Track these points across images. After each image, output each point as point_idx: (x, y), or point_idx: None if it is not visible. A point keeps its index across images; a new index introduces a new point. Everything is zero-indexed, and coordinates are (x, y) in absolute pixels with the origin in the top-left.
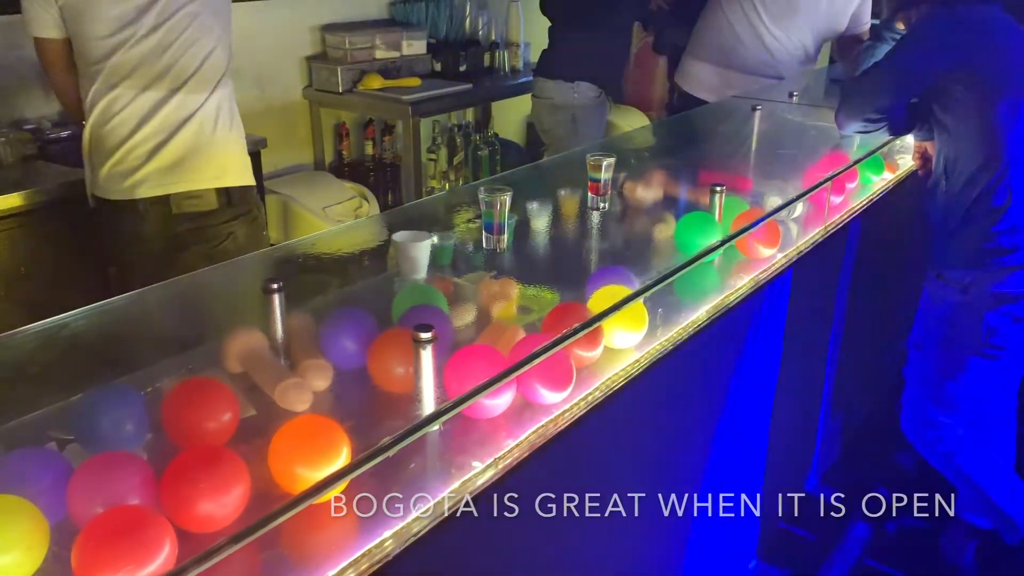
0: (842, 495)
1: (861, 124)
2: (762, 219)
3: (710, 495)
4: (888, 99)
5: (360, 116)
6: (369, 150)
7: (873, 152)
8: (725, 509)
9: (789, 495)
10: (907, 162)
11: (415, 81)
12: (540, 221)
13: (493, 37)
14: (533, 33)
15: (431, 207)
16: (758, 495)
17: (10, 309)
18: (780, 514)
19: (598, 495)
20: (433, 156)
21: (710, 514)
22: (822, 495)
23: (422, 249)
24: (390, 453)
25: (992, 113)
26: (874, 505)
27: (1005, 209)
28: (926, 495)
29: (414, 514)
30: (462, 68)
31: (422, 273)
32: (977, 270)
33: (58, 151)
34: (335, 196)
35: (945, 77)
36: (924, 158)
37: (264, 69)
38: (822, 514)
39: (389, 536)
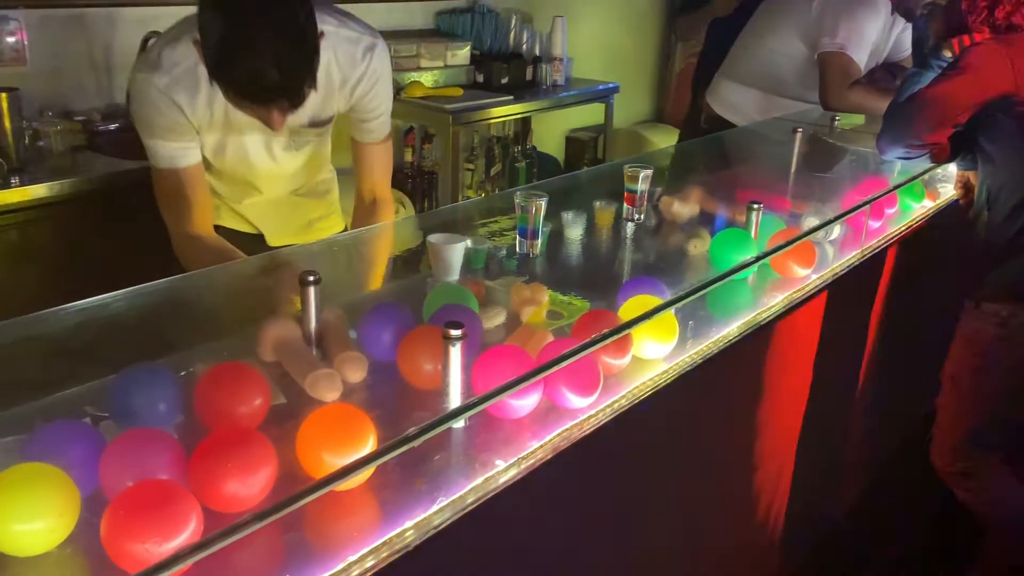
0: (868, 528)
1: (903, 151)
2: (797, 238)
3: (730, 515)
4: (931, 127)
5: (402, 123)
6: (408, 157)
7: (914, 179)
8: (747, 532)
9: (813, 526)
10: (948, 191)
11: (457, 91)
12: (575, 230)
13: (536, 51)
14: (576, 48)
15: (467, 211)
16: (780, 524)
17: (53, 294)
18: (803, 545)
19: (618, 502)
20: (471, 166)
21: (728, 535)
22: (847, 528)
23: (456, 251)
24: (415, 444)
25: None
26: (901, 540)
27: None
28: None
29: (436, 507)
30: (504, 80)
31: (455, 275)
32: (1017, 303)
33: (106, 142)
34: None
35: (990, 106)
36: (966, 188)
37: None
38: (846, 547)
39: (411, 526)
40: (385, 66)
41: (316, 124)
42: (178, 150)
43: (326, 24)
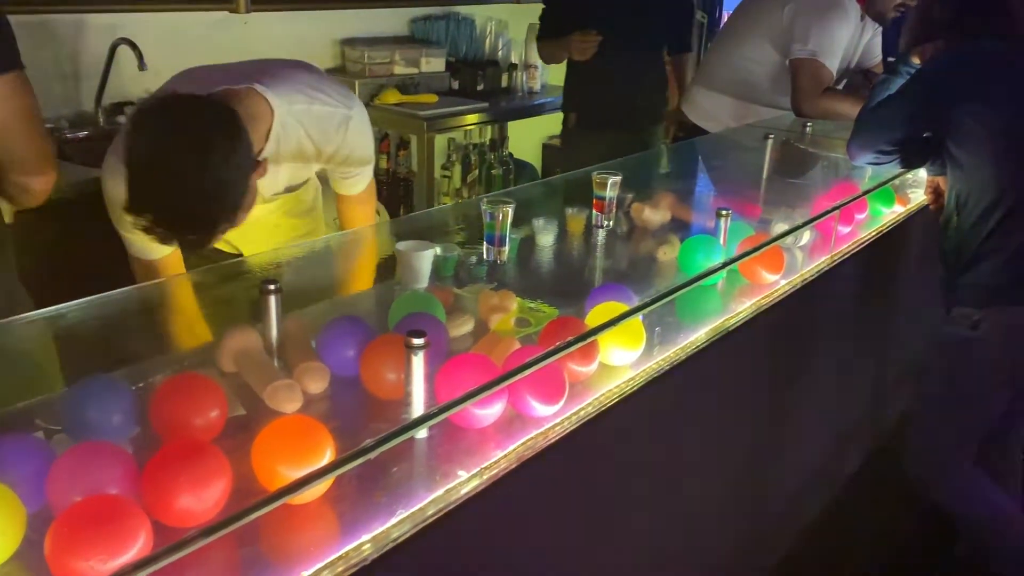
0: (842, 533)
1: (873, 156)
2: (764, 244)
3: (699, 522)
4: (901, 133)
5: (376, 130)
6: (383, 164)
7: (883, 184)
8: (717, 539)
9: (786, 530)
10: (919, 196)
11: (432, 98)
12: (544, 237)
13: (512, 58)
14: None
15: (440, 218)
16: (752, 529)
17: (19, 303)
18: (776, 549)
19: (584, 511)
20: (447, 173)
21: (698, 543)
22: (821, 532)
23: (424, 259)
24: (371, 455)
25: (1005, 150)
26: (875, 545)
27: (1016, 247)
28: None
29: (395, 519)
30: (479, 87)
31: (423, 282)
32: (987, 307)
33: (75, 150)
34: None
35: (958, 112)
36: (936, 193)
37: None
38: (820, 551)
39: (368, 540)
40: (361, 135)
41: (292, 188)
42: (150, 242)
43: (296, 103)
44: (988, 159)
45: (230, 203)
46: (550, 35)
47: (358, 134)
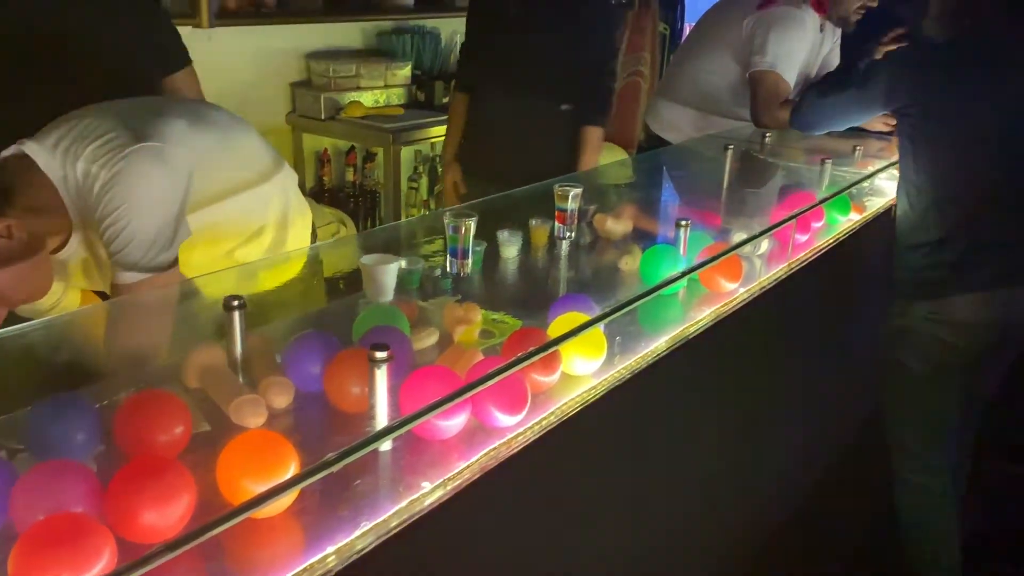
0: (812, 534)
1: (820, 132)
2: (721, 254)
3: (666, 528)
4: (845, 124)
5: (342, 143)
6: (350, 177)
7: (839, 193)
8: (685, 544)
9: (755, 534)
10: (875, 204)
11: (398, 110)
12: (507, 249)
13: None
14: None
15: (406, 230)
16: (721, 534)
17: None
18: (745, 553)
19: (548, 520)
20: (414, 185)
21: (664, 549)
22: (791, 535)
23: (388, 272)
24: (335, 468)
25: (930, 154)
26: (845, 545)
27: (930, 244)
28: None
29: (359, 531)
30: (445, 99)
31: (388, 296)
32: (911, 299)
33: None
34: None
35: (901, 112)
36: None
37: (248, 93)
38: (790, 554)
39: (332, 552)
40: (130, 193)
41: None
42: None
43: (58, 152)
44: (912, 160)
45: None
46: (467, 88)
47: (124, 186)
